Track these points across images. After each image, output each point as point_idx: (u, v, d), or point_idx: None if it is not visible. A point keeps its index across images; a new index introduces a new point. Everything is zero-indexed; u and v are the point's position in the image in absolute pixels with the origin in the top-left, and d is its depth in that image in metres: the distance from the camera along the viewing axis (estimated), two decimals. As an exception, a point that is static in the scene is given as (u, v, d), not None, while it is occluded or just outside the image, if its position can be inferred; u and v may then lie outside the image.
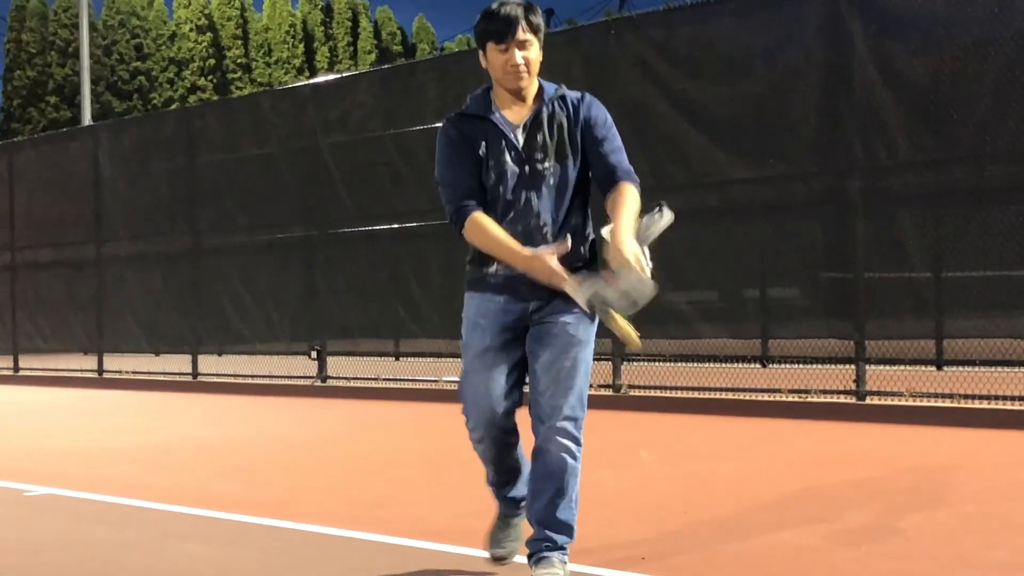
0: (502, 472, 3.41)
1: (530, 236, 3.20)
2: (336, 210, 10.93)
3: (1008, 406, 6.87)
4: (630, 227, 3.02)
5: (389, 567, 3.78)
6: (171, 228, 12.64)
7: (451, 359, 9.81)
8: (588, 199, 3.31)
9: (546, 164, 3.22)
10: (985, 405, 6.94)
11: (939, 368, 8.16)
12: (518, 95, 3.25)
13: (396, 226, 10.56)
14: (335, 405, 9.71)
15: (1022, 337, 7.19)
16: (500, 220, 3.22)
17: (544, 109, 3.24)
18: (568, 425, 3.18)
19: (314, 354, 10.75)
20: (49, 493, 5.61)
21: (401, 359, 11.32)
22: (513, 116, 3.26)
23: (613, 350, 8.36)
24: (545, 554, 3.21)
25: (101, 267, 13.27)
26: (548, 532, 3.21)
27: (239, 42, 34.75)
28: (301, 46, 35.45)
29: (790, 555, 3.76)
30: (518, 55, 3.17)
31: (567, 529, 3.24)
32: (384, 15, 39.01)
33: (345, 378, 10.65)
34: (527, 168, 3.21)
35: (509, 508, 3.48)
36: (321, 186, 10.98)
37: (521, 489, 3.43)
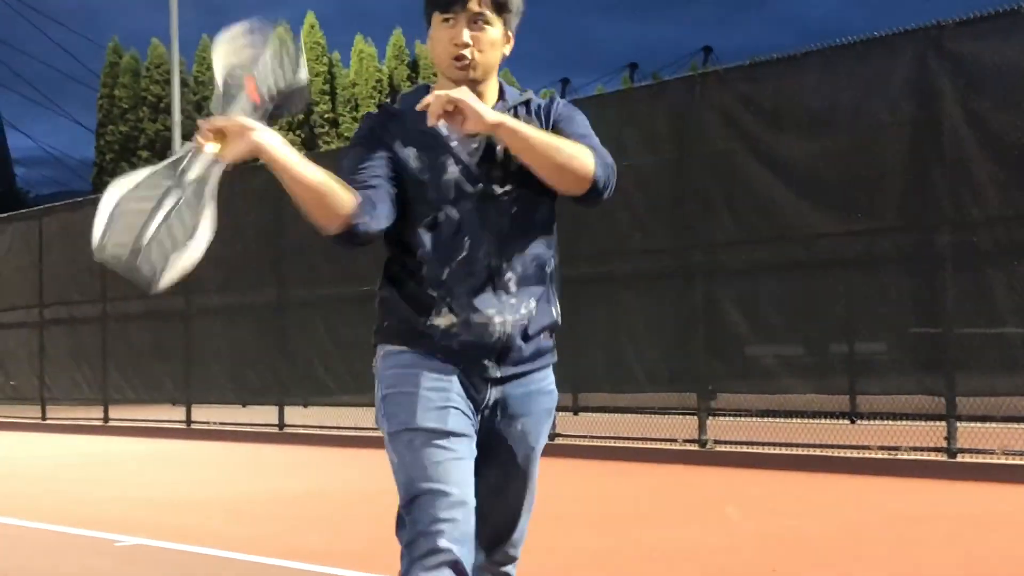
0: None
1: (486, 283, 2.37)
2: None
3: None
4: (484, 107, 2.23)
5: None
6: (258, 281, 13.09)
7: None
8: (554, 234, 2.51)
9: (506, 187, 2.42)
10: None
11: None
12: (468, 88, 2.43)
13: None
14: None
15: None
16: (432, 257, 2.36)
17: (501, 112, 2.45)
18: (512, 552, 2.54)
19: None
20: (138, 544, 5.86)
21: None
22: None
23: (699, 405, 8.44)
24: None
25: (189, 318, 13.77)
26: None
27: (326, 97, 35.83)
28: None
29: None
30: (466, 33, 2.36)
31: None
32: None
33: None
34: (478, 189, 2.39)
35: None
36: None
37: None
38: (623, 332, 9.64)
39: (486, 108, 2.20)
